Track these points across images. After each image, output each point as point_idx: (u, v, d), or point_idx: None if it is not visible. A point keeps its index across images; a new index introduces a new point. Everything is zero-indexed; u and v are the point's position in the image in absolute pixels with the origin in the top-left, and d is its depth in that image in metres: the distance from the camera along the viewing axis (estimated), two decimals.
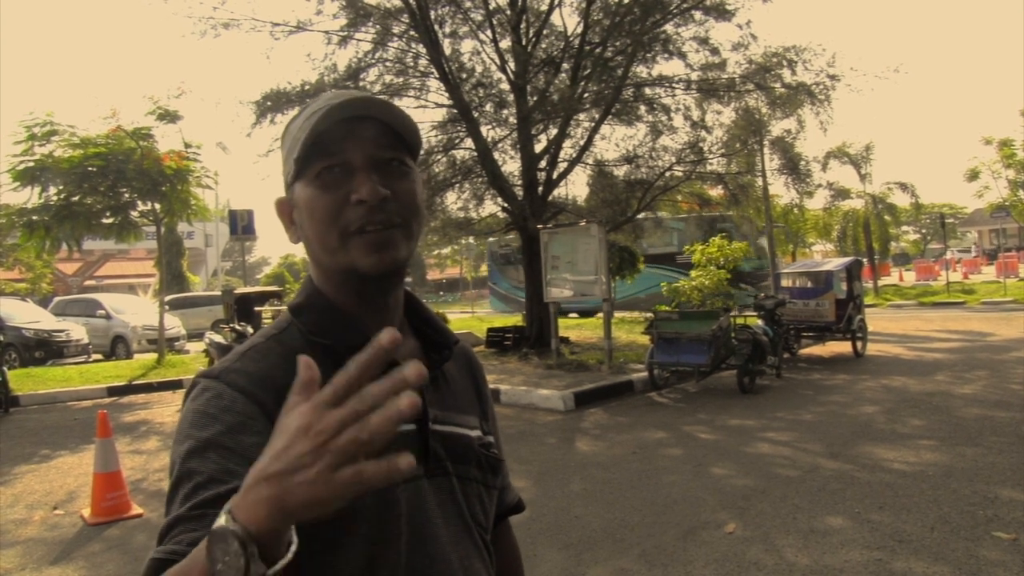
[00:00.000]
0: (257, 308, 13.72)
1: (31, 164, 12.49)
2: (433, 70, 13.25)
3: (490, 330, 14.84)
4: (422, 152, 1.00)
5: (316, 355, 0.91)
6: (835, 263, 12.46)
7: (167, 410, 10.05)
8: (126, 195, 13.43)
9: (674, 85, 13.69)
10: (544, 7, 13.91)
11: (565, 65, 13.78)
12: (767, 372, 9.64)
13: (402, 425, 0.93)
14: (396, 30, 13.40)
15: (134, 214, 13.94)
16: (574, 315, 21.91)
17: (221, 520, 0.61)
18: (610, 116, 13.73)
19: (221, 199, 34.12)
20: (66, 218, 12.77)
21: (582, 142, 14.23)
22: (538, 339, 13.24)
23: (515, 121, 13.85)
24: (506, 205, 13.95)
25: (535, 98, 13.30)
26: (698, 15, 12.91)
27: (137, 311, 19.60)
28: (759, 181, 15.95)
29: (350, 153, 0.91)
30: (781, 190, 17.06)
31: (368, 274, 0.92)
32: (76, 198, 12.83)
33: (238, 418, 0.82)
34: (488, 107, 14.28)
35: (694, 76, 13.55)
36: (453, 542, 0.93)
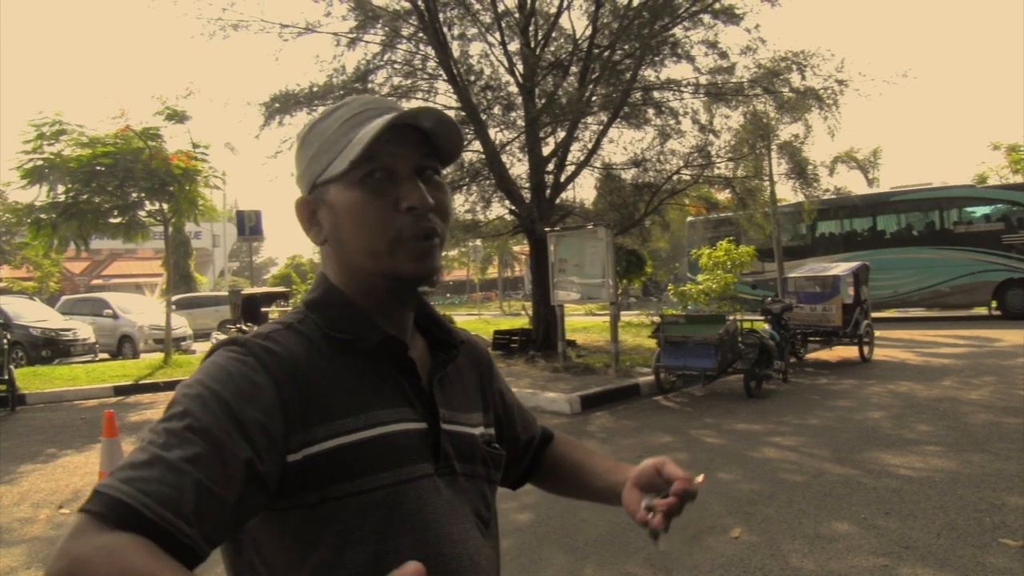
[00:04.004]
0: (264, 309, 13.81)
1: (39, 162, 12.52)
2: (441, 72, 13.26)
3: (496, 333, 14.85)
4: None
5: (334, 350, 0.94)
6: (842, 268, 12.41)
7: None
8: (134, 195, 13.45)
9: (682, 89, 13.67)
10: (553, 10, 13.92)
11: (573, 68, 13.77)
12: (774, 376, 9.61)
13: (415, 423, 0.95)
14: (405, 32, 13.42)
15: (142, 214, 13.97)
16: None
17: None
18: (618, 119, 13.71)
19: (229, 199, 34.33)
20: (73, 216, 12.79)
21: (590, 145, 14.23)
22: (544, 342, 13.23)
23: (523, 124, 13.84)
24: (514, 208, 13.94)
25: (543, 101, 13.29)
26: (707, 19, 12.89)
27: (144, 311, 19.69)
28: (767, 185, 15.92)
29: (395, 159, 0.92)
30: (788, 194, 17.04)
31: (408, 280, 0.94)
32: (84, 197, 12.85)
33: (251, 387, 0.82)
34: (496, 109, 14.29)
35: (702, 80, 13.53)
36: (461, 539, 0.94)
